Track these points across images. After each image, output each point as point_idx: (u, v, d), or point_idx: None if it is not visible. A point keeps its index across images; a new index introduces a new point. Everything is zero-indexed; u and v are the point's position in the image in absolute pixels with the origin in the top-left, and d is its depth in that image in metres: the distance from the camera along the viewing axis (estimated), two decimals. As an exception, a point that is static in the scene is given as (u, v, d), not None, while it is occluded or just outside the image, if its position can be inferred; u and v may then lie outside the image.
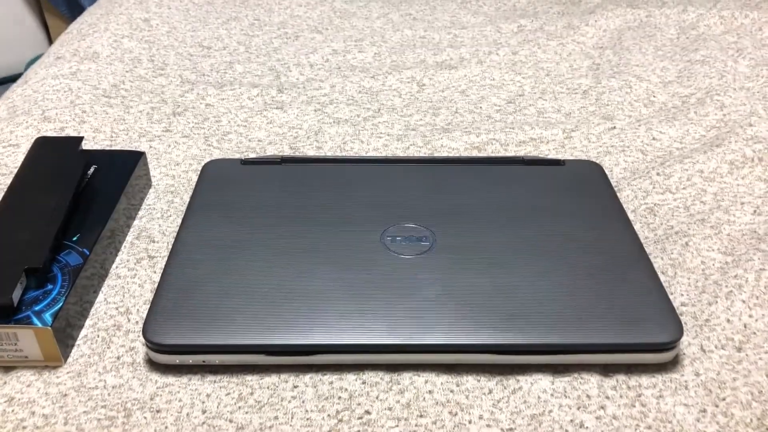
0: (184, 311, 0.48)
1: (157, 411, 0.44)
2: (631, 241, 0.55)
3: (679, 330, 0.47)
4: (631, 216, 0.61)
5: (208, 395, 0.46)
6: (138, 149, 0.67)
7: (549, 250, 0.53)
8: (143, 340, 0.48)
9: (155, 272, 0.55)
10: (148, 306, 0.49)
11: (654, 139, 0.71)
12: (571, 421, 0.44)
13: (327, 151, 0.70)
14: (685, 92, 0.79)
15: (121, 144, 0.70)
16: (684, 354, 0.49)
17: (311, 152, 0.69)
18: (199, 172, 0.62)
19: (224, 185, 0.60)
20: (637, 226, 0.60)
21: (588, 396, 0.46)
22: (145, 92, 0.78)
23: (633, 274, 0.51)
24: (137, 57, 0.84)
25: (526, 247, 0.54)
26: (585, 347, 0.47)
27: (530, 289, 0.50)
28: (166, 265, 0.52)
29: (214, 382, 0.46)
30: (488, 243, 0.54)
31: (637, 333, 0.47)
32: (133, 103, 0.75)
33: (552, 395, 0.46)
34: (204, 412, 0.45)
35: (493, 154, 0.69)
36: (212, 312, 0.48)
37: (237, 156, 0.68)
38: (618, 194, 0.63)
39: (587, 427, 0.44)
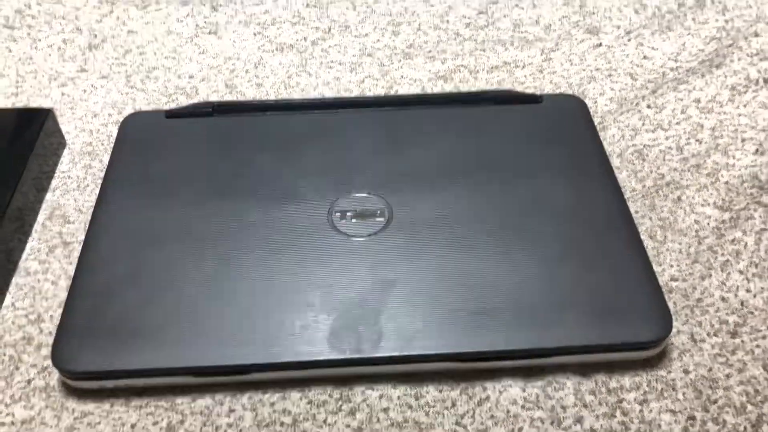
0: (100, 327, 0.41)
1: (75, 451, 0.39)
2: (614, 203, 0.48)
3: (668, 324, 0.41)
4: (616, 162, 0.54)
5: (133, 426, 0.40)
6: (48, 98, 0.58)
7: (519, 222, 0.46)
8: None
9: (71, 263, 0.48)
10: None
11: (645, 57, 0.62)
12: (544, 439, 0.39)
13: (269, 89, 0.60)
14: (682, -9, 0.68)
15: (28, 92, 0.60)
16: (672, 344, 0.43)
17: (250, 91, 0.60)
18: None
19: (146, 148, 0.52)
20: (623, 176, 0.53)
21: (563, 407, 0.41)
22: (56, 18, 0.66)
23: (615, 251, 0.45)
24: (46, -31, 0.72)
25: (493, 219, 0.46)
26: (559, 351, 0.41)
27: (497, 278, 0.43)
28: (77, 265, 0.44)
29: (140, 407, 0.41)
30: (450, 215, 0.47)
31: (619, 330, 0.41)
32: (41, 35, 0.64)
33: (523, 407, 0.41)
34: (128, 448, 0.39)
35: (459, 91, 0.60)
36: (132, 326, 0.41)
37: (164, 100, 0.59)
38: (603, 133, 0.55)
39: (561, 448, 0.39)
